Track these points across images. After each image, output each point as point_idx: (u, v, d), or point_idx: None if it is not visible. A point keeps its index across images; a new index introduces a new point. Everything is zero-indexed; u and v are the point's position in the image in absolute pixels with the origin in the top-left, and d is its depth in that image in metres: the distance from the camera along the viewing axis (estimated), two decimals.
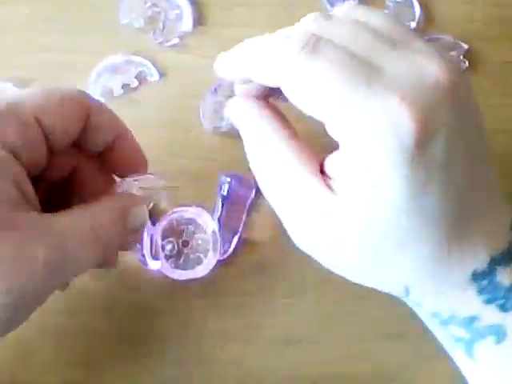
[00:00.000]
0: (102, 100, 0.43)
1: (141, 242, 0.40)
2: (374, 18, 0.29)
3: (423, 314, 0.31)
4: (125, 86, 0.43)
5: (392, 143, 0.26)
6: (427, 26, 0.45)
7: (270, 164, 0.30)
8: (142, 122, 0.43)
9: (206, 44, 0.44)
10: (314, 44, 0.27)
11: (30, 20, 0.44)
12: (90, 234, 0.29)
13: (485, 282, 0.28)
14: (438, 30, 0.45)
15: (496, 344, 0.29)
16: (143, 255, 0.41)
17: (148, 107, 0.43)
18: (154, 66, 0.43)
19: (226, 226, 0.41)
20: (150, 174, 0.34)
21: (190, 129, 0.43)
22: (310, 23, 0.29)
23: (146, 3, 0.44)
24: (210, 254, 0.41)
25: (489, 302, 0.29)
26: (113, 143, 0.33)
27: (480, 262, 0.28)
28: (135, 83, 0.43)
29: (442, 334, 0.31)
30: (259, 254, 0.41)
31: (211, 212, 0.41)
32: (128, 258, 0.41)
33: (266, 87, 0.31)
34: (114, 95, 0.43)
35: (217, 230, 0.41)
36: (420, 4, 0.45)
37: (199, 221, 0.41)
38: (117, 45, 0.44)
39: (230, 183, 0.40)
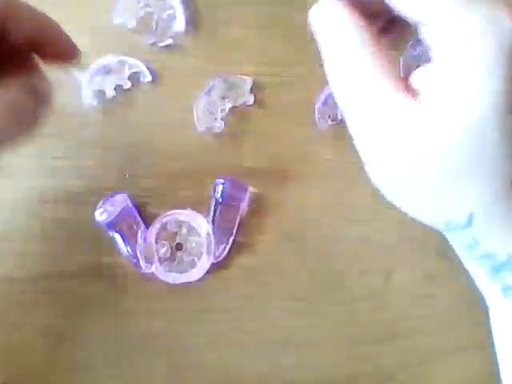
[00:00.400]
0: (95, 102, 0.42)
1: (134, 243, 0.40)
2: None
3: (474, 257, 0.29)
4: (118, 87, 0.43)
5: (493, 45, 0.25)
6: None
7: (353, 73, 0.27)
8: (135, 123, 0.43)
9: (199, 44, 0.43)
10: None
11: None
12: (5, 113, 0.29)
13: None
14: None
15: None
16: (137, 258, 0.40)
17: (141, 108, 0.43)
18: (147, 67, 0.43)
19: (220, 229, 0.40)
20: None
21: (184, 130, 0.42)
22: None
23: (139, 3, 0.43)
24: (204, 257, 0.40)
25: None
26: (37, 36, 0.32)
27: None
28: (128, 84, 0.43)
29: (488, 284, 0.29)
30: (253, 256, 0.41)
31: (205, 214, 0.41)
32: (122, 261, 0.41)
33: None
34: (107, 96, 0.43)
35: (211, 232, 0.40)
36: None
37: (193, 223, 0.41)
38: (110, 46, 0.43)
39: (223, 186, 0.40)
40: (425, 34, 0.27)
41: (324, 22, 0.28)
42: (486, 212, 0.28)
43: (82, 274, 0.42)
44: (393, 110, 0.27)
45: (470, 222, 0.28)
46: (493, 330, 0.30)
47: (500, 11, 0.26)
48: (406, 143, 0.27)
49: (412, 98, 0.26)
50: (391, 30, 0.31)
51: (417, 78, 0.27)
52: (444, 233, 0.29)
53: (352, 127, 0.29)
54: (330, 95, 0.41)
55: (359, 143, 0.29)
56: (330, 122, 0.41)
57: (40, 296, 0.42)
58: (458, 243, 0.29)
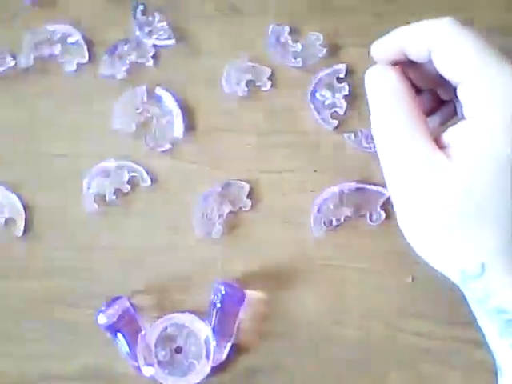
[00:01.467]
0: (95, 206, 0.43)
1: (134, 346, 0.41)
2: None
3: (486, 311, 0.30)
4: (117, 191, 0.44)
5: None
6: None
7: (394, 128, 0.31)
8: (134, 227, 0.44)
9: (197, 150, 0.44)
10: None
11: (30, 122, 0.45)
12: None
13: None
14: None
15: None
16: (137, 361, 0.41)
17: (140, 212, 0.44)
18: (146, 172, 0.44)
19: (219, 333, 0.42)
20: None
21: (182, 234, 0.44)
22: None
23: (137, 109, 0.44)
24: (204, 361, 0.41)
25: None
26: None
27: None
28: (127, 188, 0.44)
29: (499, 340, 0.30)
30: (252, 359, 0.42)
31: (204, 318, 0.42)
32: (122, 364, 0.42)
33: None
34: (106, 200, 0.44)
35: (210, 336, 0.41)
36: None
37: (192, 327, 0.42)
38: (109, 150, 0.44)
39: (222, 291, 0.41)
40: (459, 93, 0.30)
41: (375, 84, 0.32)
42: (497, 263, 0.29)
43: (81, 377, 0.43)
44: (423, 160, 0.30)
45: (482, 272, 0.30)
46: None
47: None
48: (433, 191, 0.29)
49: (441, 152, 0.29)
50: (435, 112, 0.36)
51: (449, 134, 0.30)
52: (459, 285, 0.31)
53: (387, 173, 0.32)
54: (325, 202, 0.43)
55: (392, 189, 0.32)
56: (324, 228, 0.43)
57: None
58: (472, 296, 0.31)
